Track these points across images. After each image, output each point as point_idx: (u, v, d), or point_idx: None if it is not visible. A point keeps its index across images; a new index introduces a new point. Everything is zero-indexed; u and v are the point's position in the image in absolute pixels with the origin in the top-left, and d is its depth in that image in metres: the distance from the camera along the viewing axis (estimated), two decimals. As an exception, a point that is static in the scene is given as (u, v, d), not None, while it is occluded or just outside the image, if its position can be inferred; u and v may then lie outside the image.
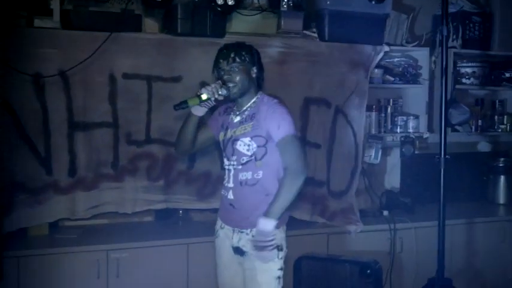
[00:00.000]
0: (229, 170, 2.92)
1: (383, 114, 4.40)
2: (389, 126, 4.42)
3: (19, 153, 3.51)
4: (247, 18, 3.82)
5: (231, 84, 2.85)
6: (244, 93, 2.91)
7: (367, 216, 4.26)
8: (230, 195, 2.88)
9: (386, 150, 4.55)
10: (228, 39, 3.70)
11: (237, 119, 2.91)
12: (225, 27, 3.77)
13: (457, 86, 4.56)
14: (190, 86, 3.69)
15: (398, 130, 4.42)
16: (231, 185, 2.87)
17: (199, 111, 2.92)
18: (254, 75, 2.94)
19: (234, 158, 2.86)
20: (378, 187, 4.56)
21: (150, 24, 3.83)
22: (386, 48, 4.16)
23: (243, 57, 2.87)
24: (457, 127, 4.59)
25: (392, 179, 4.66)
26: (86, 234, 3.74)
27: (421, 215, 4.31)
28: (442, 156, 3.34)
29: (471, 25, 4.57)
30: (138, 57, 3.68)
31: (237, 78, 2.85)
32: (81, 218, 3.77)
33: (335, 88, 4.07)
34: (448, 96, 4.12)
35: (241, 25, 3.82)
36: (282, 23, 3.93)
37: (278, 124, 2.78)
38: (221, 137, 2.97)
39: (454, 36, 4.45)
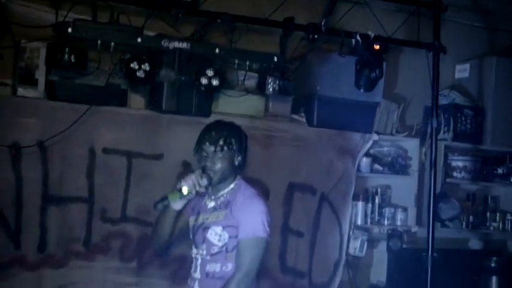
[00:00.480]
0: (196, 258, 2.68)
1: (370, 205, 4.29)
2: (376, 218, 4.31)
3: (-14, 225, 3.36)
4: (234, 99, 3.77)
5: (211, 173, 2.63)
6: (222, 180, 2.70)
7: (350, 312, 4.07)
8: (196, 287, 2.66)
9: (372, 243, 4.41)
10: (213, 118, 3.61)
11: (211, 204, 2.69)
12: (210, 107, 3.72)
13: (448, 180, 4.46)
14: (171, 165, 3.62)
15: (386, 222, 4.30)
16: (197, 275, 2.64)
17: (177, 204, 2.66)
18: (237, 163, 2.73)
19: (204, 246, 2.63)
20: (363, 281, 4.39)
21: (137, 99, 3.77)
22: (375, 136, 4.12)
23: (231, 146, 2.67)
24: (447, 222, 4.46)
25: (378, 273, 4.47)
26: (51, 315, 3.52)
27: (408, 314, 4.10)
28: (430, 253, 3.17)
29: (463, 118, 4.52)
30: (120, 132, 3.61)
31: (219, 166, 2.64)
32: (47, 297, 3.57)
33: (321, 175, 4.00)
34: (438, 190, 4.04)
35: (227, 105, 3.77)
36: (270, 105, 3.90)
37: (248, 221, 2.58)
38: (191, 221, 2.74)
39: (446, 129, 4.40)
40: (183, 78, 3.56)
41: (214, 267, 2.58)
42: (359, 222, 4.21)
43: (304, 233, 3.95)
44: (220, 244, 2.57)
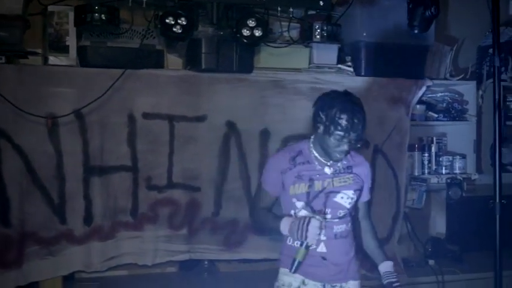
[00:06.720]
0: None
1: (426, 154, 4.10)
2: (433, 167, 4.11)
3: (30, 200, 3.28)
4: (276, 51, 3.59)
5: (338, 156, 2.59)
6: None
7: (411, 266, 3.96)
8: (322, 248, 2.64)
9: (430, 194, 4.22)
10: (256, 74, 3.55)
11: (330, 170, 2.66)
12: (252, 62, 3.54)
13: (508, 123, 4.20)
14: (215, 126, 3.49)
15: (444, 171, 4.10)
16: (322, 237, 2.63)
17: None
18: None
19: (328, 210, 2.64)
20: (422, 233, 4.22)
21: (174, 60, 3.66)
22: (428, 82, 3.89)
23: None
24: (508, 167, 4.22)
25: (438, 225, 4.30)
26: (103, 288, 3.45)
27: (471, 265, 3.96)
28: (497, 200, 2.95)
29: (522, 57, 4.22)
30: (159, 95, 3.46)
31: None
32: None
33: (374, 126, 3.72)
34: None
35: (270, 59, 3.61)
36: (315, 56, 3.70)
37: (370, 185, 2.81)
38: (303, 188, 2.62)
39: (503, 69, 4.11)
40: (221, 33, 3.36)
41: (341, 228, 2.68)
42: (416, 172, 4.05)
43: (359, 187, 3.82)
44: (349, 206, 2.69)
